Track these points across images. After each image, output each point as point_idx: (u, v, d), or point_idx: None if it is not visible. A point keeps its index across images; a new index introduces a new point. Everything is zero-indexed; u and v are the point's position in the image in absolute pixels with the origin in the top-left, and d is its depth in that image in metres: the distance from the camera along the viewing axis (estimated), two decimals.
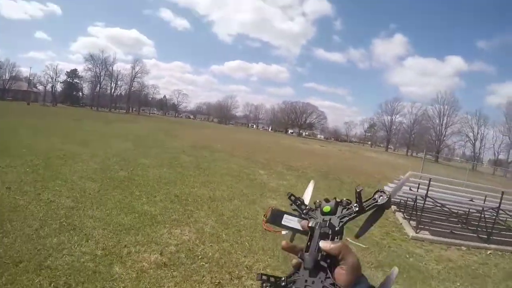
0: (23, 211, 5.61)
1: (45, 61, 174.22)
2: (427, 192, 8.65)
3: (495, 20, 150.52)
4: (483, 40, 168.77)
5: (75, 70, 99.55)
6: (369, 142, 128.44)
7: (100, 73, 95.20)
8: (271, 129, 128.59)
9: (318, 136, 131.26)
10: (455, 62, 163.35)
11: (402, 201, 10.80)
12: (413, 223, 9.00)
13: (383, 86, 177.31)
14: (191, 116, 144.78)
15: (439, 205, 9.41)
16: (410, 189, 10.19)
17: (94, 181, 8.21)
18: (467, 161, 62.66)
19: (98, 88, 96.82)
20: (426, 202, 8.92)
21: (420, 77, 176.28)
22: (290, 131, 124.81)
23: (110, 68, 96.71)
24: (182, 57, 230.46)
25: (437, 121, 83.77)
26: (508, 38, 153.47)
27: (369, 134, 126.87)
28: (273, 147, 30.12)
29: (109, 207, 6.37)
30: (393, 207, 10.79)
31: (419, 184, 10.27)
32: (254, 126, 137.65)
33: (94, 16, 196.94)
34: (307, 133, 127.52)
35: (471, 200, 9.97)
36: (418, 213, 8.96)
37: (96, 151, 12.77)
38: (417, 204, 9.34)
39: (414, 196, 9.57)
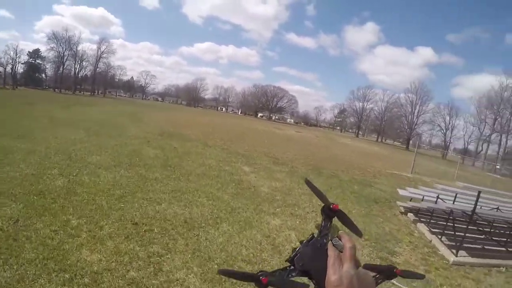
0: None
1: (8, 41, 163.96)
2: (474, 208, 6.70)
3: (464, 14, 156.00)
4: (453, 33, 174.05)
5: (38, 50, 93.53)
6: (338, 128, 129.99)
7: (63, 53, 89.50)
8: (240, 113, 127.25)
9: (288, 120, 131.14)
10: (425, 53, 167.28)
11: (421, 208, 8.74)
12: (445, 239, 7.06)
13: (352, 73, 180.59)
14: (159, 99, 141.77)
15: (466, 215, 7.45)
16: (439, 198, 8.39)
17: (15, 201, 5.44)
18: (441, 150, 63.86)
19: (61, 69, 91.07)
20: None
21: (389, 66, 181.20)
22: (260, 114, 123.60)
23: (74, 47, 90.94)
24: (150, 38, 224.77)
25: (409, 109, 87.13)
26: (475, 32, 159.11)
27: (339, 119, 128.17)
28: (248, 133, 27.57)
29: (21, 263, 3.69)
30: (410, 215, 8.87)
31: (456, 194, 8.43)
32: (224, 109, 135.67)
33: None
34: (277, 117, 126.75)
35: (497, 209, 8.25)
36: (456, 232, 6.92)
37: (35, 146, 9.88)
38: (452, 218, 7.31)
39: (448, 209, 7.56)
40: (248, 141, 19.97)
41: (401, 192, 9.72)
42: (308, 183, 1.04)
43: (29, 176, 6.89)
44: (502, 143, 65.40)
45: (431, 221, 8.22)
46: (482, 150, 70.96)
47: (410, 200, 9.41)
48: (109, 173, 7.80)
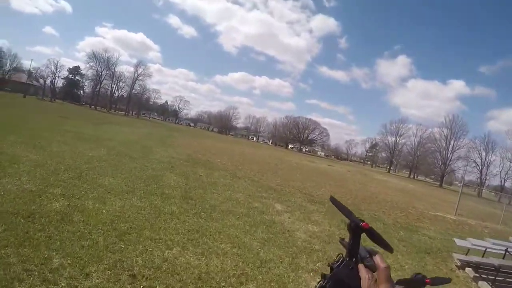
0: None
1: (51, 56, 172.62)
2: None
3: (496, 45, 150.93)
4: (485, 65, 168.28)
5: (78, 67, 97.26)
6: (369, 162, 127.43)
7: (101, 72, 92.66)
8: (271, 143, 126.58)
9: (318, 153, 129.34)
10: (458, 86, 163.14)
11: (482, 262, 7.36)
12: None
13: (384, 107, 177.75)
14: (192, 124, 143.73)
15: None
16: (508, 252, 7.39)
17: None
18: (477, 187, 60.14)
19: (98, 87, 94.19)
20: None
21: (421, 100, 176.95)
22: (290, 146, 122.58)
23: (112, 68, 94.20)
24: (186, 65, 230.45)
25: (444, 144, 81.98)
26: (508, 63, 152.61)
27: (370, 154, 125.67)
28: (280, 165, 26.12)
29: None
30: (469, 271, 7.33)
31: None
32: (255, 138, 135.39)
33: (103, 16, 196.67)
34: (307, 149, 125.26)
35: None
36: None
37: (47, 159, 9.10)
38: None
39: None
40: (280, 174, 18.52)
41: (459, 242, 8.32)
42: (333, 200, 1.01)
43: (26, 193, 5.90)
44: None
45: (497, 279, 6.77)
46: None
47: (467, 253, 8.06)
48: (118, 200, 6.58)
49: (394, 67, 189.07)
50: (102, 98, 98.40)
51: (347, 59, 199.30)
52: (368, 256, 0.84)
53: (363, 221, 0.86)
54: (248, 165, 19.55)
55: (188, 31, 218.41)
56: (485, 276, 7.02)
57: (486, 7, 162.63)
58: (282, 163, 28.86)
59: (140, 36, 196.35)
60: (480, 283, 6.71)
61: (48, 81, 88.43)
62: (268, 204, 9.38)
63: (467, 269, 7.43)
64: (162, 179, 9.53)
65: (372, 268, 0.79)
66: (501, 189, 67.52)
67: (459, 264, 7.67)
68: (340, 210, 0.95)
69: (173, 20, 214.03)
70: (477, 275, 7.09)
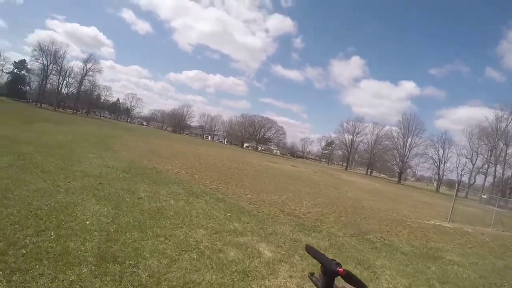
0: None
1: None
2: None
3: (445, 50, 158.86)
4: (435, 68, 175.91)
5: (23, 60, 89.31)
6: (324, 160, 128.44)
7: (48, 66, 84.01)
8: (226, 142, 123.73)
9: (274, 151, 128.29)
10: (408, 86, 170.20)
11: None
12: None
13: (336, 106, 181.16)
14: (144, 123, 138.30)
15: None
16: None
17: None
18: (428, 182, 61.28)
19: (44, 83, 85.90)
20: None
21: (373, 99, 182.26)
22: (245, 144, 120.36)
23: (60, 61, 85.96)
24: (140, 62, 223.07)
25: (401, 142, 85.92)
26: (456, 66, 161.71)
27: (326, 151, 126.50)
28: (243, 168, 22.53)
29: None
30: None
31: None
32: (209, 137, 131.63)
33: (55, 8, 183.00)
34: (263, 148, 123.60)
35: None
36: None
37: None
38: None
39: None
40: (247, 182, 15.02)
41: None
42: (310, 249, 1.06)
43: None
44: (497, 174, 63.76)
45: None
46: (474, 181, 69.45)
47: None
48: None
49: (347, 68, 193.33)
50: (49, 95, 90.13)
51: (302, 59, 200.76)
52: None
53: (339, 266, 0.91)
54: (206, 172, 15.92)
55: (143, 26, 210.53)
56: None
57: (435, 15, 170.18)
58: (244, 165, 25.37)
59: (92, 30, 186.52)
60: None
61: None
62: (248, 247, 5.80)
63: None
64: (74, 213, 5.63)
65: None
66: (457, 184, 69.49)
67: None
68: (316, 259, 0.97)
69: (127, 15, 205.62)
70: None
